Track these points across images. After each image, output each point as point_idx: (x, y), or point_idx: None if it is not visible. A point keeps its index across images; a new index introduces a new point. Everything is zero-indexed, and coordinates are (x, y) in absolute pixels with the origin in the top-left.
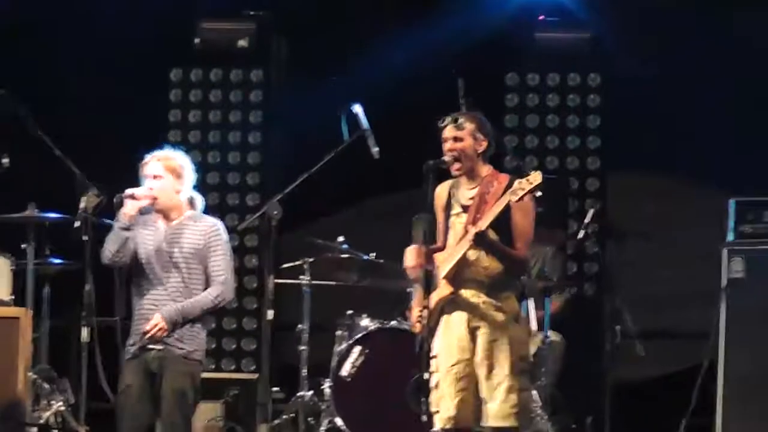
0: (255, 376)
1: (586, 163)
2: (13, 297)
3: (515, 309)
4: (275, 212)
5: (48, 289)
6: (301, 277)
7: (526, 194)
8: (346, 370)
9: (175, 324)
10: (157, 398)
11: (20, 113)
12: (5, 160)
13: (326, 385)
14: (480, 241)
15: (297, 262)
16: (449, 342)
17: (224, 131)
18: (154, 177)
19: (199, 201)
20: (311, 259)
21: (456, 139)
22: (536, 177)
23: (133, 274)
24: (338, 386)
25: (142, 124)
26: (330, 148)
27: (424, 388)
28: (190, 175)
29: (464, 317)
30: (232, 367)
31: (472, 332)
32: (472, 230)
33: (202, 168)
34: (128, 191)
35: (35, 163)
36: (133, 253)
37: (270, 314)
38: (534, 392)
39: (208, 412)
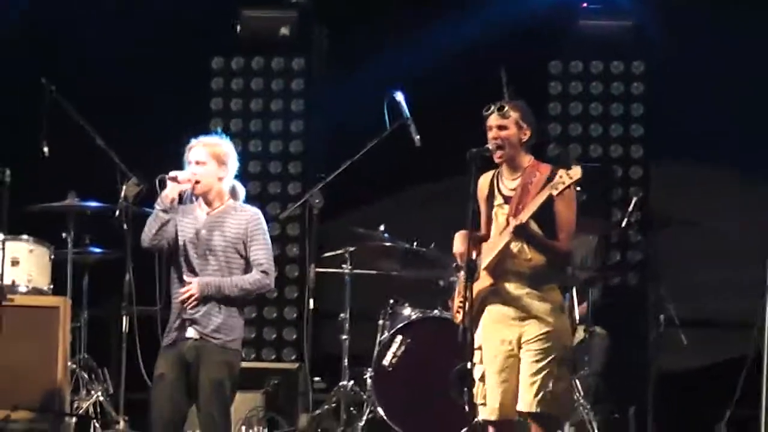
0: (296, 365)
1: (630, 151)
2: (52, 286)
3: (558, 300)
4: (317, 201)
5: (88, 279)
6: (343, 266)
7: (565, 189)
8: (387, 359)
9: (208, 296)
10: (193, 388)
11: (61, 102)
12: (45, 149)
13: (368, 375)
14: (520, 233)
15: (338, 251)
16: (492, 333)
17: (266, 120)
18: (197, 162)
19: (242, 191)
20: (353, 248)
21: (501, 127)
22: (576, 172)
23: (172, 263)
24: (380, 376)
25: (183, 112)
26: (371, 137)
27: (466, 378)
28: (234, 163)
29: (507, 308)
30: (273, 357)
31: (515, 323)
32: (513, 222)
33: (243, 157)
34: (171, 173)
35: (76, 152)
36: (172, 240)
37: (311, 303)
38: (576, 382)
39: (248, 402)
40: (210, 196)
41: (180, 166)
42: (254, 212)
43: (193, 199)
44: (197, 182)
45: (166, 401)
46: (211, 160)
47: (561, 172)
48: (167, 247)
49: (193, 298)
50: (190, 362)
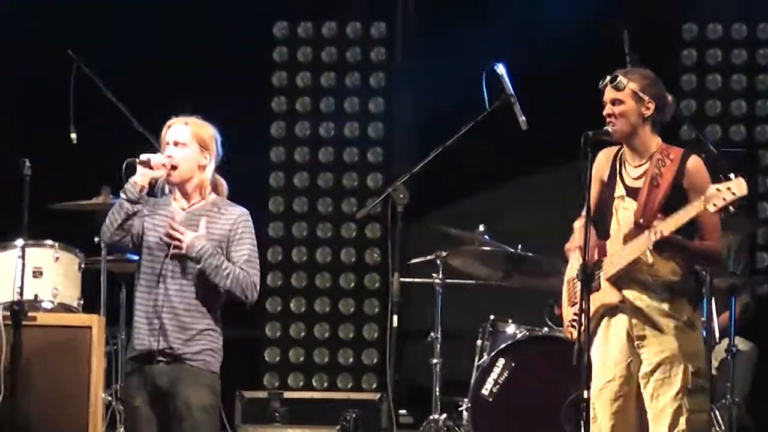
0: (377, 395)
1: None
2: (82, 302)
3: (688, 315)
4: (401, 196)
5: (125, 292)
6: (434, 275)
7: (725, 206)
8: (487, 387)
9: (193, 255)
10: (170, 417)
11: (93, 80)
12: (74, 135)
13: (464, 407)
14: (664, 247)
15: (428, 257)
16: (605, 354)
17: (339, 98)
18: (177, 144)
19: (225, 187)
20: (445, 253)
21: (615, 101)
22: (740, 186)
23: (138, 267)
24: (478, 407)
25: (240, 90)
26: (468, 118)
27: (582, 410)
28: (218, 152)
29: (625, 324)
30: (350, 386)
31: (635, 343)
32: (651, 235)
33: (312, 143)
34: (143, 156)
35: (111, 139)
36: (138, 238)
37: (395, 320)
38: (716, 412)
39: None
40: (188, 188)
41: (238, 157)
42: (242, 212)
43: (167, 190)
44: (174, 168)
45: None
46: (193, 142)
47: (719, 185)
48: (131, 247)
49: (178, 242)
50: (162, 389)
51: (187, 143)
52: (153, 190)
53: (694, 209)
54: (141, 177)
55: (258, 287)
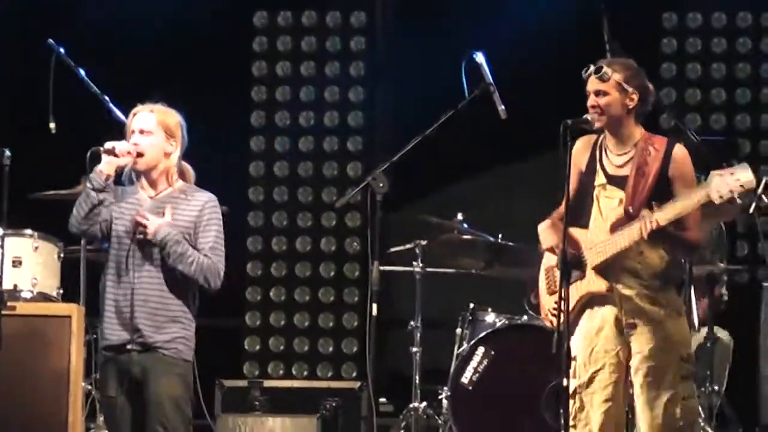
0: (357, 384)
1: (760, 121)
2: (62, 291)
3: (676, 302)
4: (381, 185)
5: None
6: (413, 263)
7: (732, 198)
8: (467, 376)
9: (157, 240)
10: (143, 408)
11: (71, 69)
12: (52, 125)
13: (443, 395)
14: (657, 237)
15: (407, 246)
16: (592, 342)
17: (319, 87)
18: (142, 132)
19: (192, 174)
20: (424, 242)
21: (599, 92)
22: (747, 179)
23: (107, 256)
24: (458, 396)
25: (220, 79)
26: (447, 107)
27: (562, 398)
28: (184, 139)
29: (613, 313)
30: (330, 374)
31: (624, 331)
32: (647, 224)
33: (292, 132)
34: (108, 144)
35: (89, 128)
36: (106, 227)
37: (375, 309)
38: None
39: (301, 428)
40: (154, 175)
41: (218, 147)
42: (209, 197)
43: (134, 179)
44: (140, 155)
45: (124, 426)
46: (159, 129)
47: (722, 171)
48: (100, 236)
49: (143, 228)
50: (135, 378)
51: (153, 131)
52: (120, 178)
53: (698, 199)
54: (106, 165)
55: (222, 275)
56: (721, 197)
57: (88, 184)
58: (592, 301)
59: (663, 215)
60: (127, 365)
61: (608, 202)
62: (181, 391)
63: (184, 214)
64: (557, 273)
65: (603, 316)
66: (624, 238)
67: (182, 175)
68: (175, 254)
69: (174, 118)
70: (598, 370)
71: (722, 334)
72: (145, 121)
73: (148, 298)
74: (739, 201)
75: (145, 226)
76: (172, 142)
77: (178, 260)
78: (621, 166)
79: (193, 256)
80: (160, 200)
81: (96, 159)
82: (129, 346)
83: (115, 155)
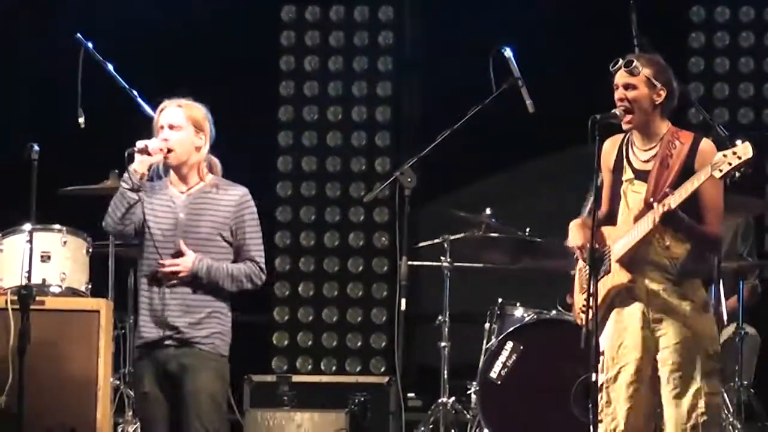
0: (386, 379)
1: None
2: (90, 286)
3: (702, 297)
4: (409, 180)
5: (133, 276)
6: (442, 258)
7: (732, 170)
8: (495, 370)
9: (197, 277)
10: (179, 404)
11: (100, 63)
12: (81, 119)
13: (472, 390)
14: (669, 221)
15: (436, 241)
16: (620, 338)
17: (347, 82)
18: (171, 127)
19: (219, 167)
20: (453, 237)
21: (628, 86)
22: (746, 150)
23: (141, 252)
24: (486, 390)
25: (248, 74)
26: (475, 101)
27: (591, 393)
28: (211, 132)
29: (640, 308)
30: (358, 369)
31: (650, 326)
32: (659, 208)
33: (319, 127)
34: (140, 143)
35: (119, 123)
36: (140, 225)
37: (403, 304)
38: (725, 396)
39: (329, 424)
40: (185, 170)
41: (246, 141)
42: (243, 192)
43: (161, 173)
44: (170, 151)
45: (158, 422)
46: (188, 124)
47: (725, 152)
48: (134, 234)
49: (182, 274)
50: (172, 373)
51: (182, 125)
52: (150, 176)
53: (701, 176)
54: (140, 164)
55: (264, 269)
56: (720, 171)
57: (124, 184)
58: (619, 296)
59: (674, 198)
60: (163, 360)
61: (635, 197)
62: (218, 386)
63: (218, 210)
64: (581, 271)
65: (630, 311)
66: (641, 226)
67: (210, 168)
68: (212, 281)
69: (201, 111)
70: (625, 366)
71: (750, 329)
72: (173, 116)
73: (184, 293)
74: (737, 175)
75: (177, 273)
76: (201, 135)
77: (221, 282)
78: (647, 161)
79: (232, 273)
80: (192, 195)
81: (131, 160)
82: (166, 342)
83: (149, 153)
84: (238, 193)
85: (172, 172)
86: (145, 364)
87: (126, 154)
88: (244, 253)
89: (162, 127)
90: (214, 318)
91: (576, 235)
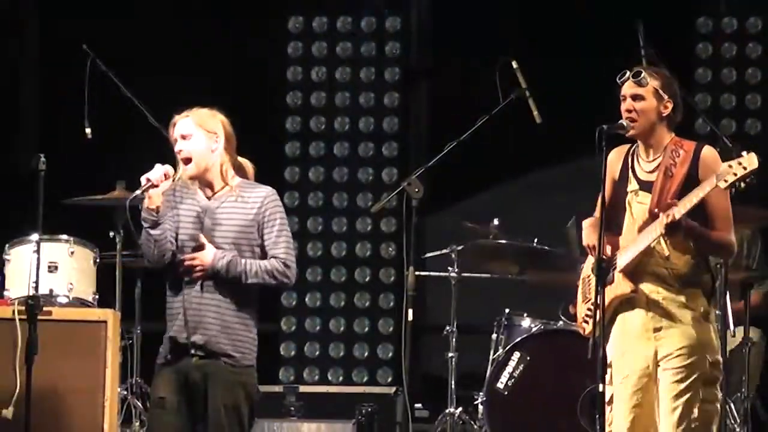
0: (392, 389)
1: None
2: (97, 296)
3: (702, 306)
4: (416, 190)
5: (140, 287)
6: (449, 268)
7: (737, 181)
8: (503, 381)
9: (218, 271)
10: (198, 415)
11: (107, 73)
12: (88, 130)
13: (479, 400)
14: (675, 231)
15: (443, 251)
16: (623, 347)
17: (354, 92)
18: (183, 137)
19: (250, 168)
20: (460, 247)
21: (636, 97)
22: (751, 160)
23: (170, 261)
24: (494, 401)
25: (255, 84)
26: (482, 112)
27: (599, 403)
28: (230, 133)
29: (642, 317)
30: (365, 379)
31: (653, 335)
32: (663, 218)
33: (327, 137)
34: (142, 180)
35: (125, 134)
36: (175, 238)
37: (410, 314)
38: (731, 405)
39: None
40: (208, 177)
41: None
42: (268, 192)
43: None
44: (188, 161)
45: (167, 429)
46: (198, 129)
47: (731, 162)
48: (173, 249)
49: (200, 268)
50: (194, 384)
51: (193, 133)
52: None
53: (706, 186)
54: (151, 200)
55: (291, 267)
56: (725, 181)
57: (144, 224)
58: (622, 306)
59: (678, 209)
60: (186, 370)
61: (640, 208)
62: (241, 399)
63: (243, 210)
64: (593, 281)
65: (632, 320)
66: (646, 236)
67: (239, 170)
68: (233, 275)
69: (209, 113)
70: (627, 376)
71: (754, 334)
72: (184, 127)
73: (211, 304)
74: (743, 185)
75: (196, 266)
76: (215, 138)
77: (244, 278)
78: (651, 172)
79: (254, 269)
80: (219, 200)
81: (140, 202)
82: (192, 351)
83: (155, 186)
84: (263, 192)
85: (197, 181)
86: (165, 372)
87: (128, 203)
88: (269, 250)
89: (176, 140)
90: (240, 328)
91: (589, 234)
